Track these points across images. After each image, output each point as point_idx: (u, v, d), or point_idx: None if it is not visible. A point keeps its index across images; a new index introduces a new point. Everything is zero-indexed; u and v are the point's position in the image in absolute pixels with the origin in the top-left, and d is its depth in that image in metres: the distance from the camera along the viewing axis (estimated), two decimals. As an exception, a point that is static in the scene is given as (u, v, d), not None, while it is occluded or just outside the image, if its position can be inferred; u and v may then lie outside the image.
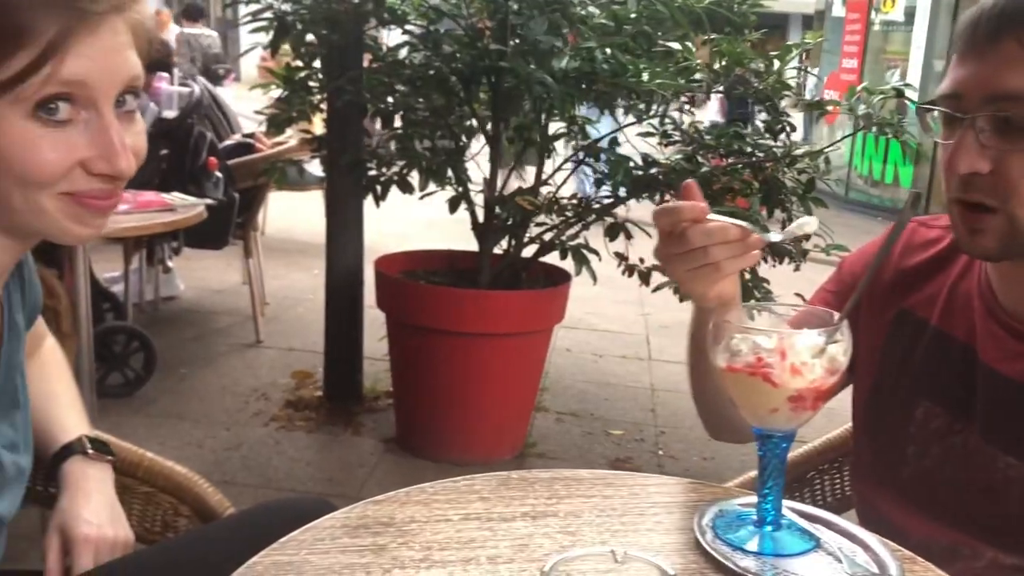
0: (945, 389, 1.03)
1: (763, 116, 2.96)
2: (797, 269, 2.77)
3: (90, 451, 1.12)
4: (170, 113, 3.64)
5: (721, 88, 2.88)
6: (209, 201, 2.90)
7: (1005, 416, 0.97)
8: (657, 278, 2.89)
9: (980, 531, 0.98)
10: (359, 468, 2.87)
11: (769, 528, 0.83)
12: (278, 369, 3.61)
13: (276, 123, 3.13)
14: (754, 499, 0.87)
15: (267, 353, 3.80)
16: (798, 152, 2.86)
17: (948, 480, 1.01)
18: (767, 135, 2.90)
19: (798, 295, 2.01)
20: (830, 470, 1.21)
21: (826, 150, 2.94)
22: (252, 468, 2.79)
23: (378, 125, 3.23)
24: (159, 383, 3.31)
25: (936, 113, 0.93)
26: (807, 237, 0.84)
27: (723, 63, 2.88)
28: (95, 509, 1.08)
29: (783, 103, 2.90)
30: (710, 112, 8.47)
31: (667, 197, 2.95)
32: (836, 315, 0.81)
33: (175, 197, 2.62)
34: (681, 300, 2.77)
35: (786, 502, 0.87)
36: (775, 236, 0.90)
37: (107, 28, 0.78)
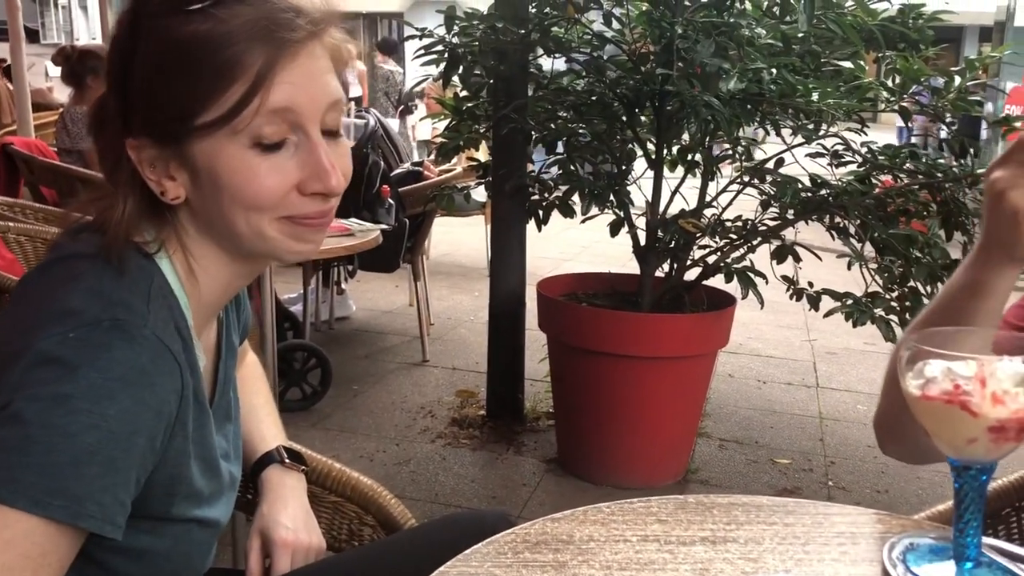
0: None
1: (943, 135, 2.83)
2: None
3: (287, 460, 1.19)
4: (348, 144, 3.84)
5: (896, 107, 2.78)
6: (383, 226, 3.04)
7: None
8: (827, 303, 2.79)
9: None
10: (522, 487, 2.91)
11: (968, 565, 0.80)
12: (443, 387, 3.73)
13: (444, 151, 3.25)
14: (948, 533, 0.84)
15: (433, 372, 3.92)
16: (982, 171, 2.70)
17: None
18: (946, 154, 2.76)
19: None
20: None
21: (1014, 168, 2.76)
22: (420, 483, 2.89)
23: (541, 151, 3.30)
24: (333, 399, 3.49)
25: None
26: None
27: (898, 81, 2.78)
28: (292, 515, 1.15)
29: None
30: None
31: (837, 220, 2.86)
32: (1043, 342, 0.77)
33: (353, 223, 2.76)
34: (854, 326, 2.68)
35: (985, 539, 0.83)
36: None
37: (306, 54, 0.83)
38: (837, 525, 0.96)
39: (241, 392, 1.13)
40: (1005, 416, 0.74)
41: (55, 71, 4.21)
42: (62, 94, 4.43)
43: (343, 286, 4.62)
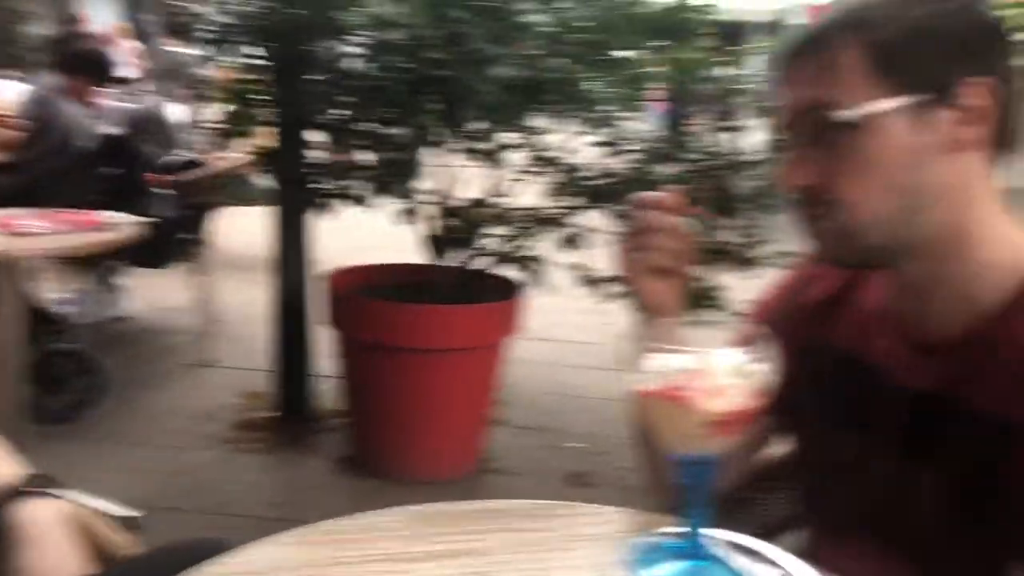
0: (857, 414, 0.98)
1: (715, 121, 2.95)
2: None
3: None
4: (116, 130, 3.54)
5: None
6: (146, 219, 2.80)
7: (920, 432, 0.92)
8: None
9: (904, 552, 0.93)
10: (311, 490, 2.78)
11: (696, 562, 0.77)
12: (229, 389, 3.50)
13: (223, 138, 3.05)
14: (681, 529, 0.81)
15: (217, 373, 3.69)
16: (745, 158, 2.84)
17: (870, 505, 0.96)
18: (713, 139, 2.89)
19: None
20: (772, 491, 1.16)
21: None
22: (200, 493, 2.69)
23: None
24: (105, 406, 3.20)
25: None
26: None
27: (676, 71, 2.85)
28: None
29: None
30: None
31: (622, 207, 2.91)
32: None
33: (106, 215, 2.51)
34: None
35: (725, 532, 0.81)
36: None
37: None
38: (583, 528, 0.92)
39: None
40: (724, 409, 0.71)
41: None
42: None
43: (119, 283, 4.27)
